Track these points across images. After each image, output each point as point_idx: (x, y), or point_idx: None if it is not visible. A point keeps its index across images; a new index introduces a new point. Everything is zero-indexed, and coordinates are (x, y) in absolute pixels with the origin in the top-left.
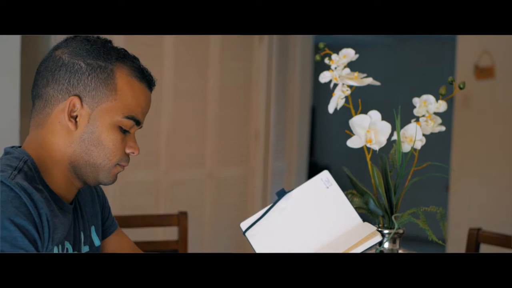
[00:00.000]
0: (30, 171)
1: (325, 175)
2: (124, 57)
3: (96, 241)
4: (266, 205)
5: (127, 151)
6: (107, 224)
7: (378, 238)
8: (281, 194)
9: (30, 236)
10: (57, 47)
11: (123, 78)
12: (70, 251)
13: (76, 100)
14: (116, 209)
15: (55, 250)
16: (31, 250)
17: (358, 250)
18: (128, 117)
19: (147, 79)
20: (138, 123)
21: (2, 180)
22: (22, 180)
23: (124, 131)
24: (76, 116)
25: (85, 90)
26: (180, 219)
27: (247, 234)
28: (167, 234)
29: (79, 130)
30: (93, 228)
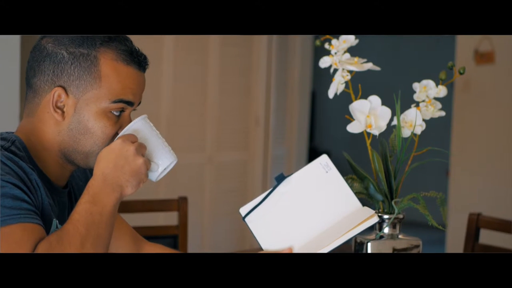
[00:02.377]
0: (19, 150)
1: (324, 159)
2: (110, 40)
3: None
4: (266, 190)
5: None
6: None
7: (375, 219)
8: (280, 179)
9: (26, 194)
10: (44, 36)
11: (107, 64)
12: None
13: (60, 91)
14: None
15: (54, 223)
16: (32, 203)
17: (355, 232)
18: (116, 101)
19: (136, 61)
20: (129, 103)
21: None
22: (7, 153)
23: (117, 115)
24: (63, 106)
25: (69, 80)
26: (180, 204)
27: (246, 219)
28: (167, 219)
29: (67, 120)
30: None
